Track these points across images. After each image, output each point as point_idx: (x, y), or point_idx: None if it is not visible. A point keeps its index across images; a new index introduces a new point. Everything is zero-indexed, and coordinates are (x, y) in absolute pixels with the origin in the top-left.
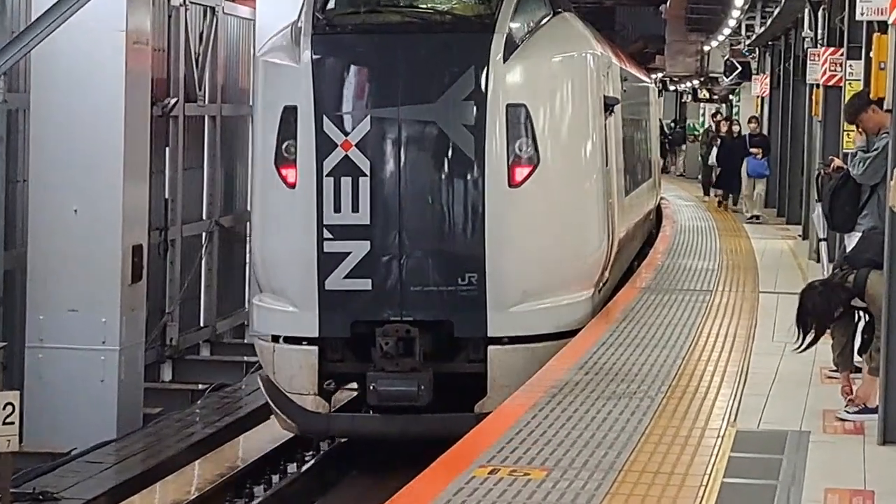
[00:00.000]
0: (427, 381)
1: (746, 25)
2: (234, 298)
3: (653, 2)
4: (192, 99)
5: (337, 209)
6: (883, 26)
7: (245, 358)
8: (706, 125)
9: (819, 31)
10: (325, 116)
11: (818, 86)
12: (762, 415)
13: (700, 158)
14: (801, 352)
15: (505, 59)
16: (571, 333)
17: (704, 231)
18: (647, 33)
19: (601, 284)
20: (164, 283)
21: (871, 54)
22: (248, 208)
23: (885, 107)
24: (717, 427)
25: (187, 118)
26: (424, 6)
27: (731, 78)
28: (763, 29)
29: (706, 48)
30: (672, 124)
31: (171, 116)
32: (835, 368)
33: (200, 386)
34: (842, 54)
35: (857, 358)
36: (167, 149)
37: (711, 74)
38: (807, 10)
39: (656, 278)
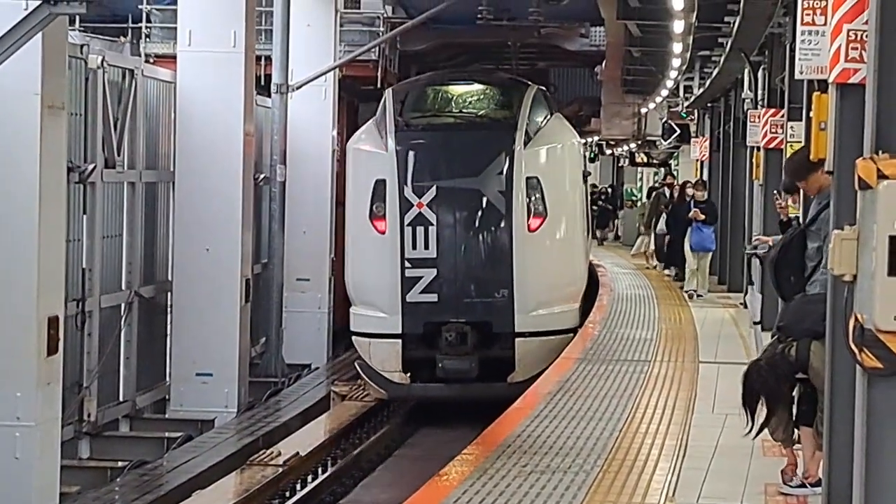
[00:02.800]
0: (476, 361)
1: (685, 87)
2: (155, 371)
3: (588, 63)
4: (110, 165)
5: (414, 248)
6: (823, 85)
7: (166, 434)
8: (660, 189)
9: (759, 92)
10: (405, 186)
11: (759, 148)
12: (702, 489)
13: (644, 227)
14: (755, 436)
15: (524, 147)
16: (568, 331)
17: (643, 299)
18: (582, 95)
19: (581, 301)
20: (81, 356)
21: (812, 114)
22: (170, 278)
23: (825, 168)
24: (655, 503)
25: (106, 184)
26: (468, 112)
27: (669, 141)
28: (702, 90)
29: (643, 110)
30: (609, 189)
31: (89, 183)
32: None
33: (120, 463)
34: (782, 115)
35: None
36: (84, 216)
37: (649, 137)
38: (747, 71)
39: (592, 348)
